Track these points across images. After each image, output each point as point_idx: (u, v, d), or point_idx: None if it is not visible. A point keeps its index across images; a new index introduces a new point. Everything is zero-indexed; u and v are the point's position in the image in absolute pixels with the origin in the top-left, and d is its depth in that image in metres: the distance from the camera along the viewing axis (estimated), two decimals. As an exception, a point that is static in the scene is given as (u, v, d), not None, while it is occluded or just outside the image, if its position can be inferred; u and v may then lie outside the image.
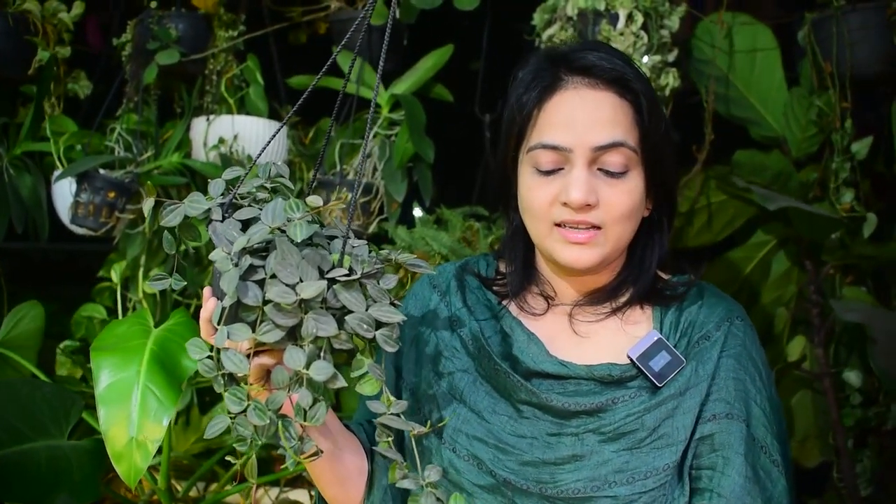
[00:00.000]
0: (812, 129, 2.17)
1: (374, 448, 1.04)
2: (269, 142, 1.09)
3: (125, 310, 2.28)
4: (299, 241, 0.97)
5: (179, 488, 1.97)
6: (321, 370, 0.97)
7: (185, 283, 1.07)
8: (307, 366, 0.97)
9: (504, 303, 1.29)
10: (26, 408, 1.43)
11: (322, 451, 1.06)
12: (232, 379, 1.01)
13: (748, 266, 2.31)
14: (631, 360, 1.21)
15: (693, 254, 2.29)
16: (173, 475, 2.02)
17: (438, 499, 1.01)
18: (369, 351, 1.02)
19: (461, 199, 2.37)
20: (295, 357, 0.97)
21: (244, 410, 1.00)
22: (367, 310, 1.00)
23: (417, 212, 2.41)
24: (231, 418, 1.00)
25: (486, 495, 1.21)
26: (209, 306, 1.05)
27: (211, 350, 1.01)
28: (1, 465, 1.32)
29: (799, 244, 2.26)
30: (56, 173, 2.30)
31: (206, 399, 2.16)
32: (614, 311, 1.26)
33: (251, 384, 1.04)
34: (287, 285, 0.97)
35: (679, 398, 1.20)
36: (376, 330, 1.01)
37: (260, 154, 1.09)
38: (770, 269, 2.32)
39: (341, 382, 0.99)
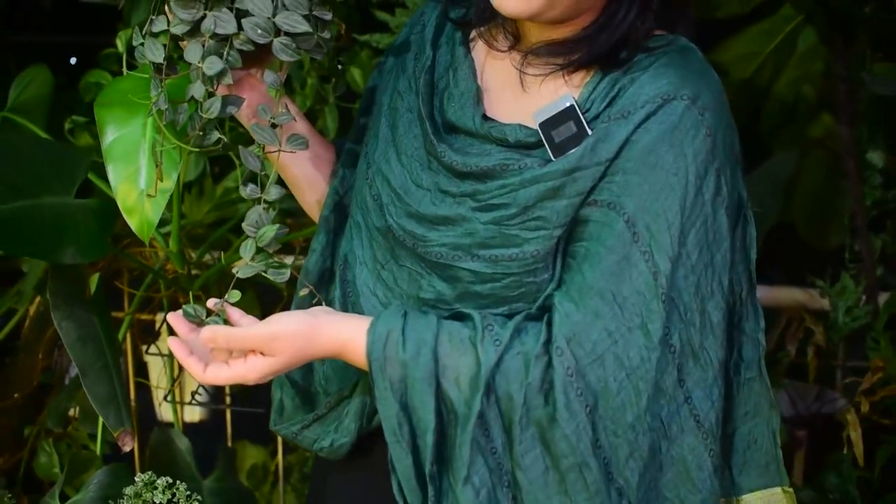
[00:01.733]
0: None
1: (244, 148, 1.12)
2: None
3: (132, 77, 2.22)
4: None
5: (193, 255, 1.98)
6: (213, 64, 1.06)
7: None
8: (202, 59, 1.06)
9: (472, 44, 1.20)
10: (28, 165, 1.39)
11: (221, 142, 1.11)
12: (157, 69, 1.11)
13: (773, 41, 2.21)
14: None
15: (721, 26, 2.19)
16: (188, 245, 2.03)
17: (259, 218, 1.10)
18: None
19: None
20: (192, 51, 1.07)
21: (158, 95, 1.11)
22: (273, 16, 1.05)
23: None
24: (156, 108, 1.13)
25: (380, 239, 1.19)
26: None
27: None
28: (6, 219, 1.30)
29: (829, 19, 2.16)
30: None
31: (216, 170, 2.14)
32: (562, 68, 1.11)
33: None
34: None
35: (565, 178, 1.05)
36: (276, 37, 1.06)
37: None
38: (796, 46, 2.23)
39: (228, 80, 1.09)
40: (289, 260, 2.07)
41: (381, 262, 1.19)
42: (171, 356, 2.03)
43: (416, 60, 1.22)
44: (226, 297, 1.12)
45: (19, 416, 2.05)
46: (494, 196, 1.09)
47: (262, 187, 1.12)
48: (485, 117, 1.15)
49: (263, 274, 1.12)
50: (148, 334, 2.18)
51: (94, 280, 1.58)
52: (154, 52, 1.10)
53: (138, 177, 1.18)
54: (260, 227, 1.11)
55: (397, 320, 1.07)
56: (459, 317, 1.10)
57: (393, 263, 1.17)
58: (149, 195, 1.17)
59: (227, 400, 2.26)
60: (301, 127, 1.26)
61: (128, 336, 2.06)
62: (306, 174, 1.32)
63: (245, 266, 1.10)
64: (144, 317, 2.13)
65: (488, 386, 1.04)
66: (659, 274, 1.03)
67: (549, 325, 1.05)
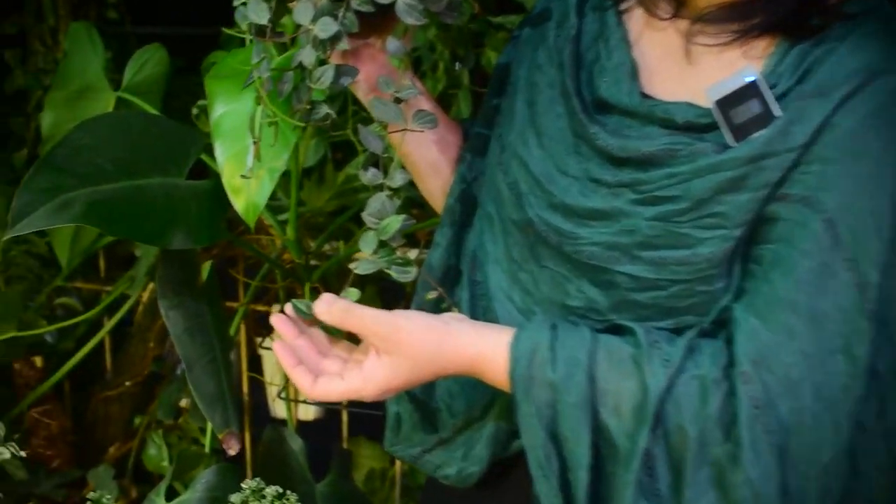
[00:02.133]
0: None
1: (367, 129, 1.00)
2: None
3: (256, 58, 2.15)
4: None
5: (312, 245, 1.89)
6: (326, 27, 0.94)
7: None
8: (313, 20, 0.94)
9: (625, 16, 1.05)
10: (139, 142, 1.31)
11: (330, 117, 1.00)
12: (259, 31, 0.98)
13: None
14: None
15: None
16: (308, 234, 1.95)
17: (381, 207, 0.99)
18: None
19: None
20: (303, 11, 0.95)
21: (260, 62, 1.00)
22: None
23: None
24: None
25: (517, 234, 1.04)
26: None
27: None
28: (112, 198, 1.21)
29: None
30: None
31: (339, 156, 2.05)
32: (739, 36, 0.94)
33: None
34: None
35: (749, 167, 0.89)
36: None
37: None
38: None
39: (344, 45, 0.96)
40: (412, 254, 1.97)
41: (517, 261, 1.05)
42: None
43: (559, 29, 1.07)
44: (342, 294, 1.00)
45: (130, 405, 2.01)
46: (661, 187, 0.93)
47: (385, 172, 1.00)
48: (643, 95, 1.00)
49: (386, 271, 0.99)
50: (262, 327, 2.10)
51: (206, 267, 1.50)
52: (257, 13, 0.97)
53: (246, 155, 1.07)
54: (382, 217, 0.99)
55: (544, 334, 0.94)
56: (617, 330, 0.95)
57: (532, 263, 1.03)
58: (243, 176, 1.06)
59: (344, 401, 2.16)
60: (426, 103, 1.13)
61: (241, 328, 1.99)
62: (430, 158, 1.19)
63: (365, 262, 0.99)
64: (259, 308, 2.05)
65: (656, 416, 0.89)
66: (866, 286, 0.86)
67: (730, 343, 0.90)
